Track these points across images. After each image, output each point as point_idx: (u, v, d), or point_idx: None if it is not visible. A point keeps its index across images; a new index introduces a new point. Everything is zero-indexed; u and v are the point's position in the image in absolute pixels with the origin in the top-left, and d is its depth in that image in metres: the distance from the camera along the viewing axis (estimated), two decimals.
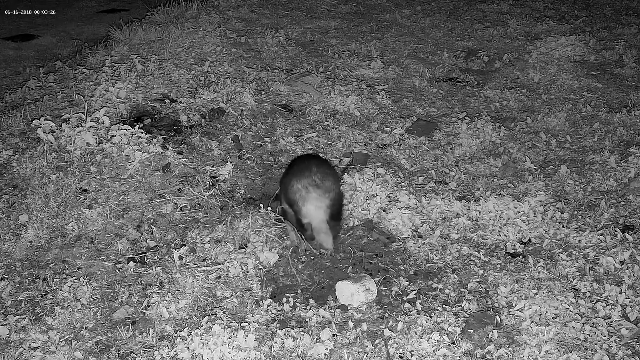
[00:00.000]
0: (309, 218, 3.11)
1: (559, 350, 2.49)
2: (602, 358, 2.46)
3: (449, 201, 3.54)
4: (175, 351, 2.52)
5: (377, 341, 2.57)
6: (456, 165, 4.05)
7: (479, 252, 3.14)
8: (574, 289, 2.85)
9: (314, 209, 3.08)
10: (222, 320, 2.68)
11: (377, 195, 3.56)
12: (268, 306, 2.80)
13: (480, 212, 3.45)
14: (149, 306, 2.82)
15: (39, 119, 3.99)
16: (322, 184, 3.12)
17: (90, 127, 3.89)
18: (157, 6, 6.48)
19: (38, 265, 3.13)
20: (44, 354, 2.59)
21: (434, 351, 2.51)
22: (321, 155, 4.03)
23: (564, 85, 5.18)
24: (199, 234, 3.28)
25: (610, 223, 3.34)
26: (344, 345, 2.56)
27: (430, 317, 2.68)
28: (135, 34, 5.58)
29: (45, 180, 3.61)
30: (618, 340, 2.55)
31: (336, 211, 3.16)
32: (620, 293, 2.79)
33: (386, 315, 2.73)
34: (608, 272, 2.96)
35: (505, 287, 2.87)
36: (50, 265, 3.11)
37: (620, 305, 2.72)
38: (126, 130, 3.89)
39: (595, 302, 2.76)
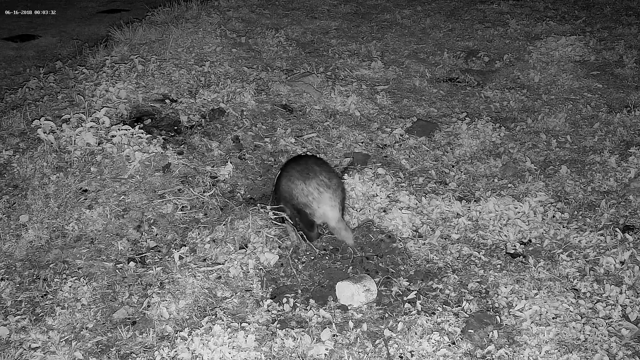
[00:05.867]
0: (324, 218, 3.11)
1: (559, 350, 2.49)
2: (602, 358, 2.46)
3: (449, 201, 3.54)
4: (175, 351, 2.52)
5: (377, 341, 2.57)
6: (456, 166, 4.05)
7: (479, 252, 3.14)
8: (574, 289, 2.85)
9: (330, 208, 3.08)
10: (222, 320, 2.68)
11: (377, 195, 3.56)
12: (268, 306, 2.80)
13: (480, 212, 3.45)
14: (149, 306, 2.82)
15: (39, 119, 3.99)
16: (330, 182, 3.12)
17: (90, 127, 3.89)
18: (157, 6, 6.47)
19: (38, 265, 3.13)
20: (44, 354, 2.59)
21: (434, 351, 2.51)
22: (321, 156, 4.04)
23: (564, 85, 5.18)
24: (199, 234, 3.28)
25: (610, 223, 3.34)
26: (344, 345, 2.56)
27: (430, 317, 2.68)
28: (135, 34, 5.58)
29: (45, 180, 3.60)
30: (618, 340, 2.55)
31: (343, 207, 3.17)
32: (620, 293, 2.79)
33: (386, 315, 2.73)
34: (608, 272, 2.96)
35: (505, 287, 2.87)
36: (50, 265, 3.11)
37: (620, 305, 2.72)
38: (126, 130, 3.89)
39: (595, 302, 2.76)
